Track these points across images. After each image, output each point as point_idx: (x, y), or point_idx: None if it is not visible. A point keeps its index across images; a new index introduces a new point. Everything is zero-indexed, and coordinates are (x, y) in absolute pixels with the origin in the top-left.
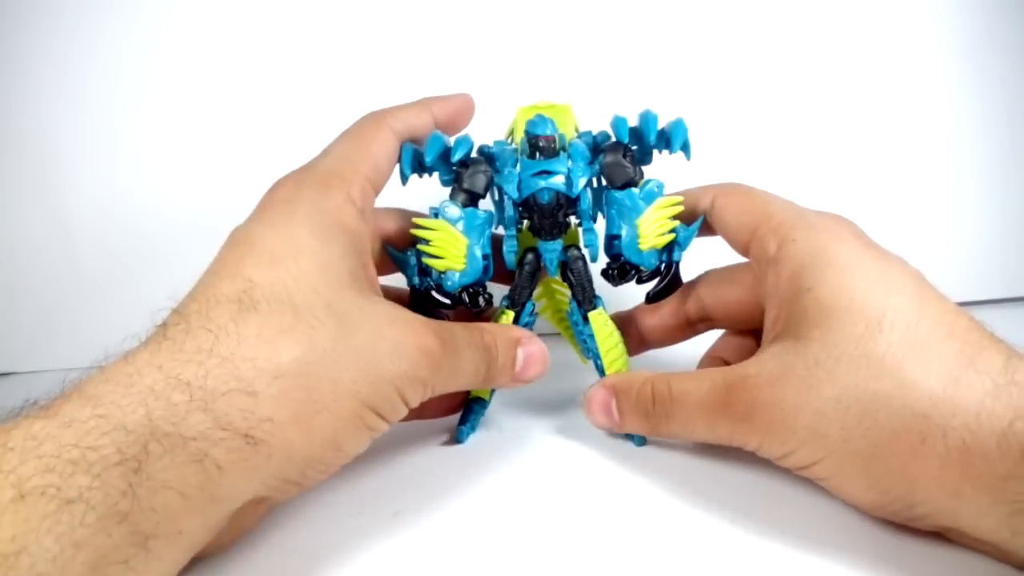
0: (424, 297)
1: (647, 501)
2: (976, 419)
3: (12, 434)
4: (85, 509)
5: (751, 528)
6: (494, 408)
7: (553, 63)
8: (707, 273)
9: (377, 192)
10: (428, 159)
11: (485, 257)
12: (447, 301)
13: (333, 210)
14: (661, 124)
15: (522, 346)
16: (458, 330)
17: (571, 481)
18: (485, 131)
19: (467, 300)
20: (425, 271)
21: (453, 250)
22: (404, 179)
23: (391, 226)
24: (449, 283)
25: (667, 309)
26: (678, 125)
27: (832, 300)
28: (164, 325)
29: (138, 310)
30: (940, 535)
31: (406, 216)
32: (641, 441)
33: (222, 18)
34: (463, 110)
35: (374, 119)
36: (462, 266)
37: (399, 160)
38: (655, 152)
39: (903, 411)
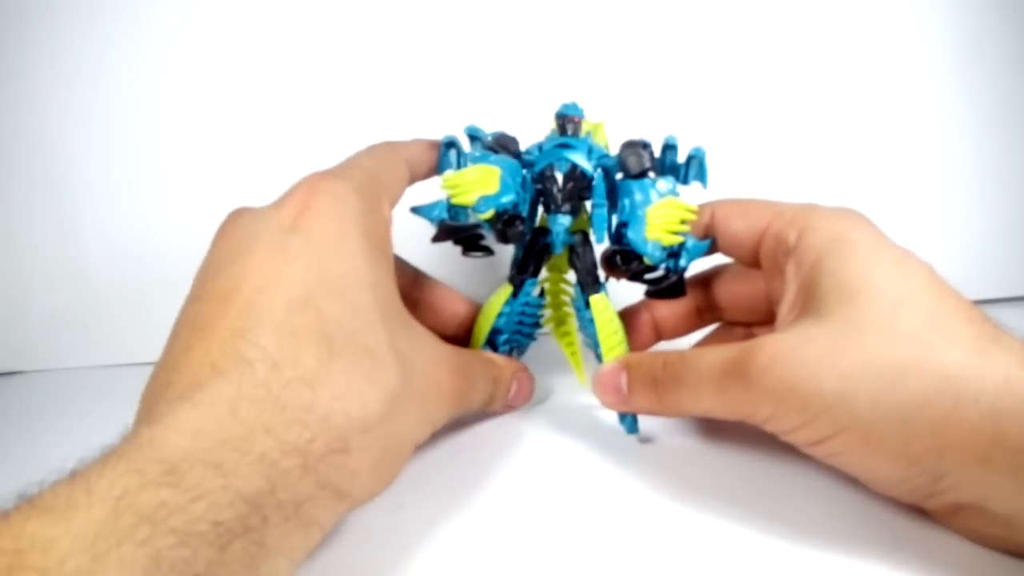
0: (450, 230)
1: (647, 496)
2: (1005, 384)
3: (142, 500)
4: None
5: (754, 522)
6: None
7: (592, 83)
8: (719, 266)
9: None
10: (467, 131)
11: (520, 190)
12: (475, 230)
13: (377, 230)
14: (684, 149)
15: (515, 377)
16: (477, 365)
17: (572, 477)
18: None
19: (501, 227)
20: (454, 216)
21: (486, 178)
22: (441, 167)
23: None
24: (482, 206)
25: (682, 299)
26: (698, 155)
27: (855, 282)
28: (248, 362)
29: (142, 311)
30: (942, 525)
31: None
32: (632, 427)
33: (235, 32)
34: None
35: (392, 150)
36: (496, 190)
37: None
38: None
39: (933, 376)
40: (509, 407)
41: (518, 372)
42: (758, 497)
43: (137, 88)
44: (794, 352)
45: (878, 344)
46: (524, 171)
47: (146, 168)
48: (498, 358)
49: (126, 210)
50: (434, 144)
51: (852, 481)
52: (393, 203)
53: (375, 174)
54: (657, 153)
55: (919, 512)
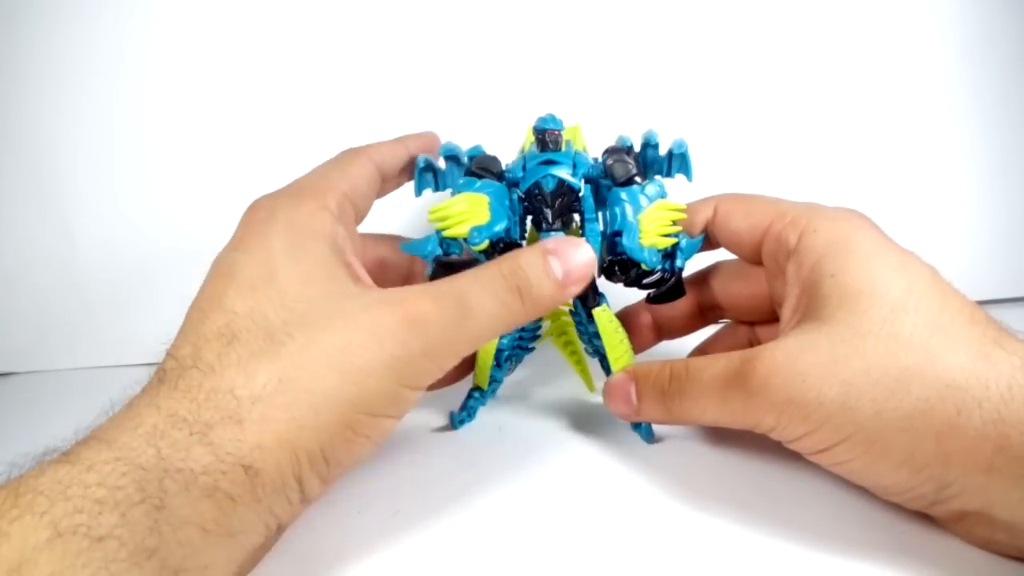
0: (447, 266)
1: (649, 500)
2: (1009, 391)
3: (40, 480)
4: (117, 546)
5: (759, 525)
6: (494, 407)
7: (565, 85)
8: (718, 265)
9: (358, 212)
10: (443, 151)
11: (510, 214)
12: (473, 265)
13: (305, 219)
14: (665, 143)
15: (552, 255)
16: (461, 278)
17: (571, 480)
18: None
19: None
20: (447, 249)
21: (475, 208)
22: (418, 189)
23: (384, 251)
24: (475, 238)
25: (682, 299)
26: (680, 150)
27: (856, 285)
28: (161, 370)
29: (137, 312)
30: (947, 531)
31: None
32: (649, 434)
33: (227, 32)
34: (433, 147)
35: (353, 150)
36: (487, 219)
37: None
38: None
39: (936, 383)
40: (567, 290)
41: (551, 249)
42: (764, 500)
43: (129, 91)
44: (794, 361)
45: (880, 351)
46: (509, 190)
47: (138, 171)
48: (509, 252)
49: (118, 213)
50: (399, 140)
51: (858, 486)
52: (344, 197)
53: (320, 176)
54: (637, 150)
55: (924, 517)
